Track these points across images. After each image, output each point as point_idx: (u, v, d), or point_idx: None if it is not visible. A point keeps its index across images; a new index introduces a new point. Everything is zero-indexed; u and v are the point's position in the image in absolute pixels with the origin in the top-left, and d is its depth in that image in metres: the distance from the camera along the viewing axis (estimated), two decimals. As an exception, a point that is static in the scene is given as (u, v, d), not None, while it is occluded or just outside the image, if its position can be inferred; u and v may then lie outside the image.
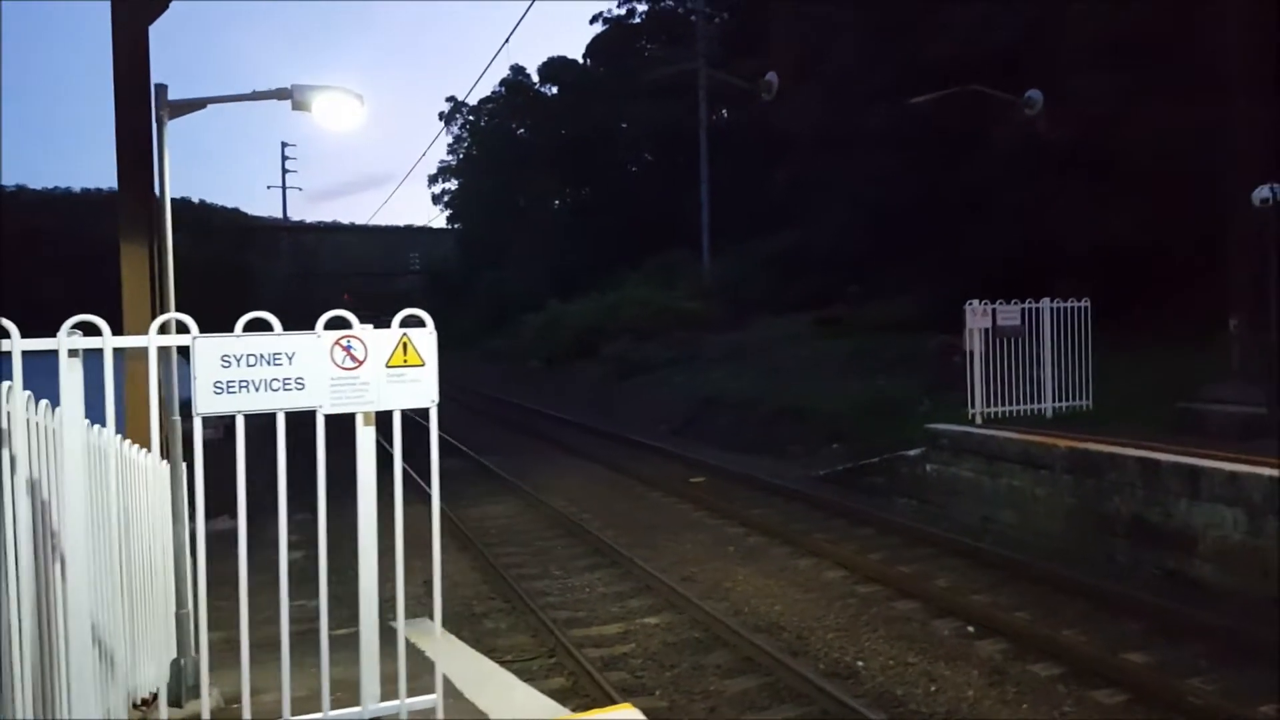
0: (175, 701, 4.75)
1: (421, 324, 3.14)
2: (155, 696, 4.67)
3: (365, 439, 3.16)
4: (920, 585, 8.01)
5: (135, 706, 4.50)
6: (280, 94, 4.74)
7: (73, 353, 2.76)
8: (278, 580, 3.27)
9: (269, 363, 2.93)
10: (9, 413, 2.76)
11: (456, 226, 64.18)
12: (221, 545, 3.47)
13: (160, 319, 2.91)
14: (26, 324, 2.79)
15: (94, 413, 3.15)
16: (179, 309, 4.95)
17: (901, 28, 18.00)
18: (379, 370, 3.08)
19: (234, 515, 3.06)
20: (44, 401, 3.00)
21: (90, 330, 2.79)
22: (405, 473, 3.32)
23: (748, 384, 19.95)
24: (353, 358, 3.05)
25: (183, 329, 2.93)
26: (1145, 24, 13.10)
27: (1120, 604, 7.29)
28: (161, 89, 4.45)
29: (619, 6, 45.12)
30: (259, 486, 3.19)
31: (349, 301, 49.68)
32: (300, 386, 3.00)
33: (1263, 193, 9.30)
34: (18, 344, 2.68)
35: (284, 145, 64.58)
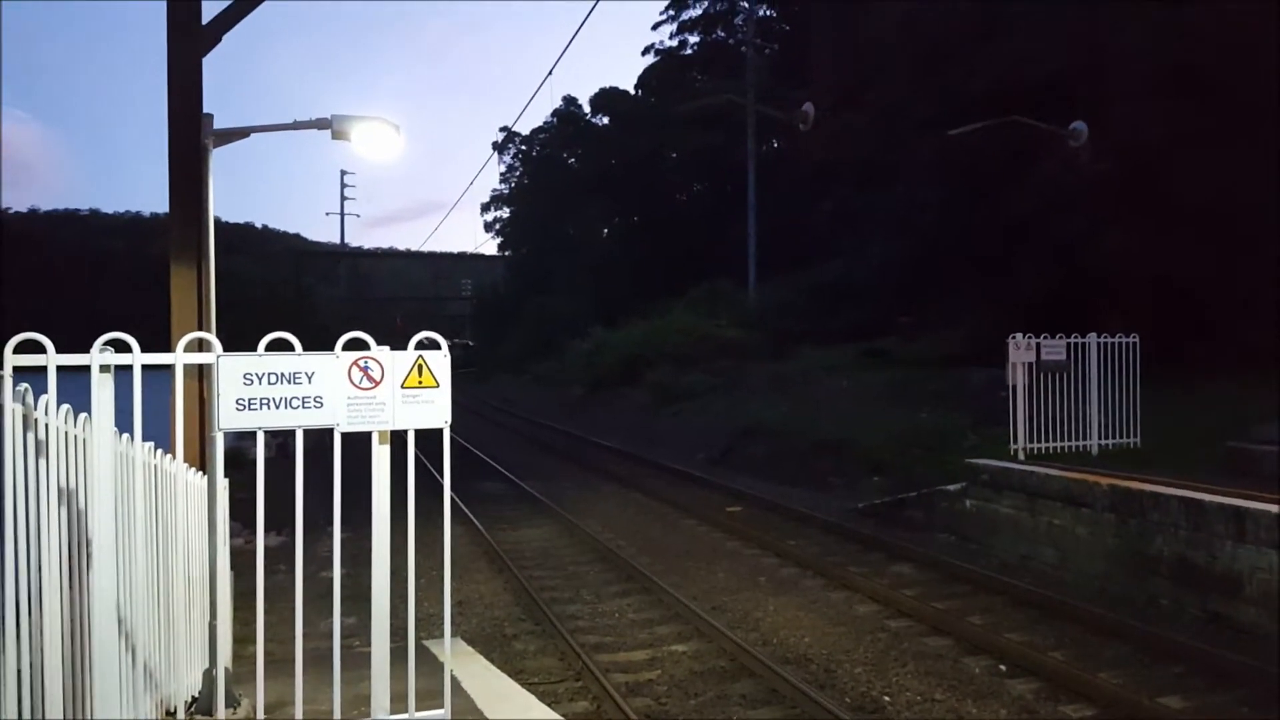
0: (207, 710, 4.88)
1: (436, 347, 3.24)
2: (192, 703, 4.80)
3: (380, 458, 3.26)
4: (953, 622, 7.86)
5: (169, 714, 4.63)
6: (320, 124, 4.92)
7: (104, 368, 2.91)
8: (316, 596, 3.38)
9: (289, 381, 3.06)
10: (46, 425, 2.92)
11: (507, 253, 65.18)
12: (269, 560, 3.61)
13: (187, 337, 3.05)
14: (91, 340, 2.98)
15: (152, 428, 3.35)
16: (238, 328, 5.16)
17: (946, 59, 17.95)
18: (395, 391, 3.19)
19: (279, 531, 3.21)
20: (82, 415, 3.16)
21: (121, 347, 2.94)
22: (419, 490, 3.42)
23: (789, 414, 19.84)
24: (369, 378, 3.16)
25: (208, 347, 3.07)
26: (1197, 55, 12.90)
27: (1160, 647, 7.08)
28: (208, 118, 4.67)
29: (671, 39, 45.81)
30: (307, 503, 3.32)
31: (401, 327, 50.62)
32: (319, 405, 3.12)
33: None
34: (52, 359, 2.83)
35: (343, 173, 66.34)
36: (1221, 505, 7.67)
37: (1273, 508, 7.28)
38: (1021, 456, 10.89)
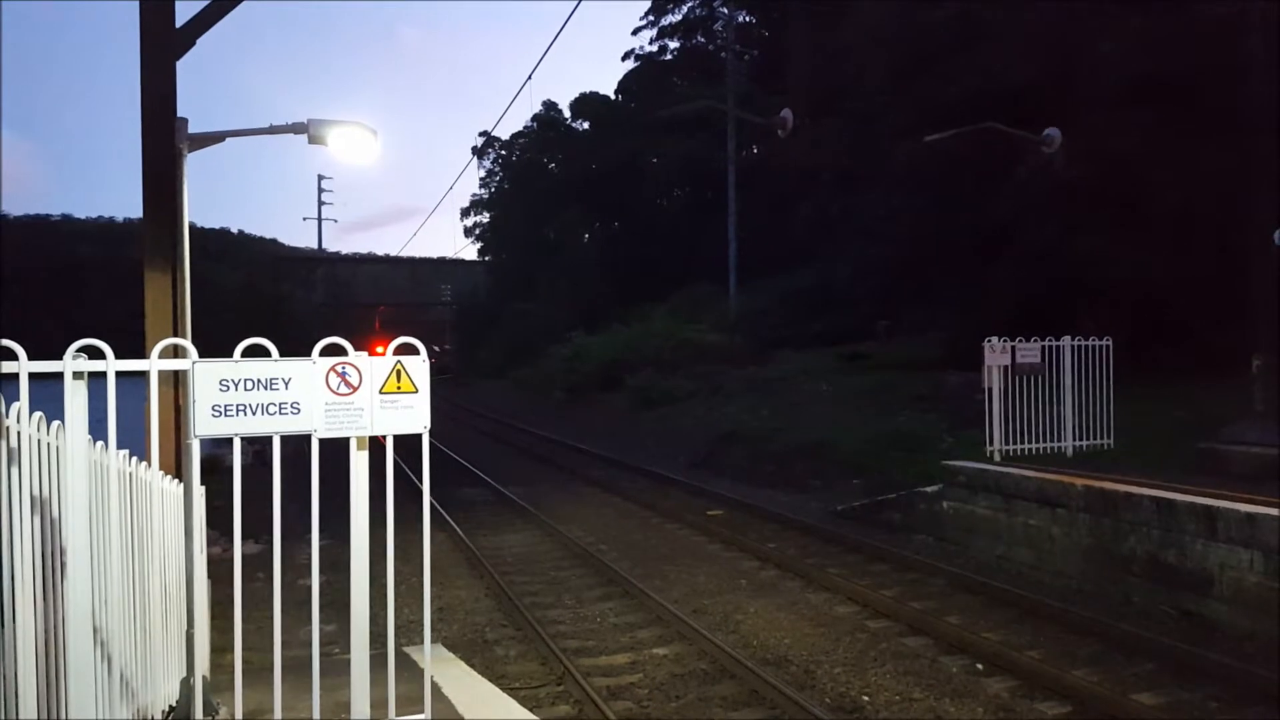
0: (185, 719, 4.84)
1: (415, 352, 3.24)
2: (170, 712, 4.76)
3: (359, 464, 3.26)
4: (931, 622, 7.93)
5: (146, 723, 4.59)
6: (296, 128, 4.89)
7: (77, 375, 2.89)
8: (295, 604, 3.37)
9: (266, 387, 3.05)
10: (19, 432, 2.90)
11: (487, 259, 65.07)
12: (247, 568, 3.59)
13: (161, 343, 3.04)
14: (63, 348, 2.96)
15: (127, 436, 3.33)
16: (213, 334, 5.11)
17: (924, 66, 18.13)
18: (373, 396, 3.19)
19: (257, 539, 3.20)
20: (56, 423, 3.14)
21: (95, 354, 2.93)
22: (399, 496, 3.42)
23: (769, 418, 19.93)
24: (347, 384, 3.15)
25: (183, 353, 3.06)
26: (1168, 66, 13.10)
27: (1133, 644, 7.18)
28: (182, 122, 4.63)
29: (651, 44, 45.97)
30: (285, 510, 3.31)
31: (379, 329, 50.40)
32: (296, 411, 3.11)
33: (1284, 232, 9.25)
34: (24, 366, 2.81)
35: (320, 178, 65.97)
36: (1192, 505, 7.79)
37: (1242, 507, 7.41)
38: (997, 458, 10.99)
